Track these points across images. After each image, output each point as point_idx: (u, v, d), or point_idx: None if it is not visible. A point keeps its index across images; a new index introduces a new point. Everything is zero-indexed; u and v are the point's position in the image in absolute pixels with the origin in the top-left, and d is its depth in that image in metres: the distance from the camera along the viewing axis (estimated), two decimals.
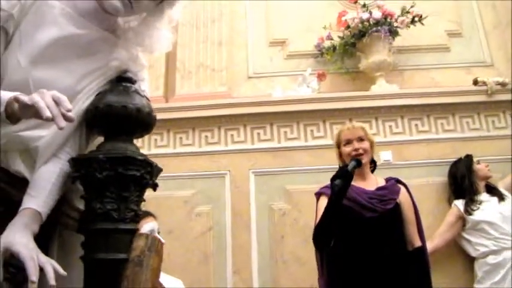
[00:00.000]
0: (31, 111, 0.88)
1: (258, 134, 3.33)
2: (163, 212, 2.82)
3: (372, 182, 2.29)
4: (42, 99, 0.86)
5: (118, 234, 1.03)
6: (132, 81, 1.15)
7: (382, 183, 2.30)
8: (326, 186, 2.22)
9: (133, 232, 1.06)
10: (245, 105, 3.37)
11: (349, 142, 2.29)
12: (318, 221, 2.12)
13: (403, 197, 2.26)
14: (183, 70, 3.48)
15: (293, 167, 3.24)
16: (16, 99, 0.89)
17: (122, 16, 1.19)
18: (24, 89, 1.03)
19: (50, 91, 0.89)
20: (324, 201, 2.18)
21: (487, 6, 3.91)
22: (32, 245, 0.94)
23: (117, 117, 1.06)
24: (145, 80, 1.27)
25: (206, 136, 3.30)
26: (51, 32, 1.11)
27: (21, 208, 1.00)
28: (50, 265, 0.92)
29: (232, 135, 3.32)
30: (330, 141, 3.17)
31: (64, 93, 0.94)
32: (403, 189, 2.30)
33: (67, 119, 0.87)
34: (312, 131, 3.33)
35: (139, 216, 1.08)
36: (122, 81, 1.14)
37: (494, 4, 3.88)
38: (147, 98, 1.15)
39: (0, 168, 1.10)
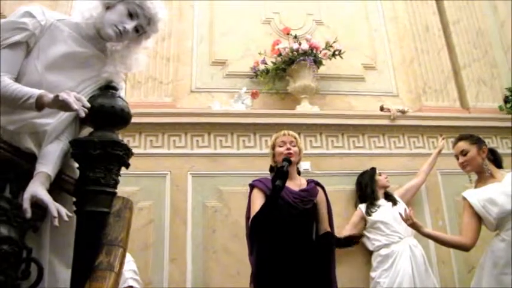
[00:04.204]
0: (60, 105, 1.31)
1: (197, 141, 3.66)
2: None
3: (297, 182, 2.73)
4: (69, 97, 1.29)
5: (103, 194, 1.45)
6: (116, 89, 1.59)
7: (304, 185, 2.74)
8: (258, 180, 2.69)
9: (114, 194, 1.49)
10: (187, 116, 3.68)
11: (283, 144, 2.72)
12: (256, 210, 2.48)
13: (319, 198, 2.74)
14: (133, 80, 3.74)
15: (226, 171, 3.60)
16: (56, 96, 1.31)
17: (113, 42, 1.63)
18: (38, 87, 1.46)
19: (72, 92, 1.32)
20: (257, 193, 2.62)
21: (396, 46, 4.57)
22: (49, 195, 1.36)
23: (106, 113, 1.49)
24: (123, 89, 1.71)
25: (151, 140, 3.59)
26: (61, 48, 1.54)
27: (36, 172, 1.40)
28: (62, 208, 1.34)
29: (174, 140, 3.63)
30: (259, 150, 3.65)
31: None
32: (321, 191, 2.78)
33: (85, 112, 1.31)
34: (244, 141, 3.72)
35: (118, 183, 1.52)
36: (109, 88, 1.57)
37: (401, 45, 4.55)
38: (126, 102, 1.59)
39: (12, 146, 1.49)
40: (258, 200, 2.56)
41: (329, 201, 2.82)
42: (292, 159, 2.63)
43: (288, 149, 2.69)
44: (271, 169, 2.83)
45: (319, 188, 2.79)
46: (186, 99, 3.99)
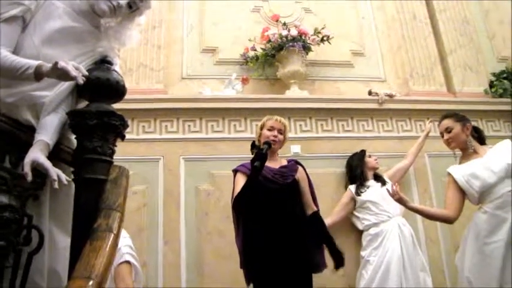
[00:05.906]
0: (58, 73, 1.36)
1: (189, 126, 3.71)
2: None
3: (277, 162, 2.85)
4: (68, 65, 1.34)
5: (101, 162, 1.50)
6: (111, 63, 1.64)
7: (284, 163, 2.87)
8: (241, 165, 2.78)
9: (111, 163, 1.55)
10: (179, 101, 3.72)
11: (272, 129, 2.84)
12: (238, 191, 2.59)
13: (300, 174, 2.84)
14: (125, 67, 3.74)
15: (217, 155, 3.66)
16: (55, 64, 1.36)
17: (106, 17, 1.69)
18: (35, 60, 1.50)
19: (70, 61, 1.38)
20: (239, 176, 2.72)
21: (384, 34, 4.65)
22: (48, 161, 1.41)
23: (102, 86, 1.54)
24: (117, 64, 1.76)
25: (144, 126, 3.63)
26: (56, 23, 1.59)
27: (35, 140, 1.46)
28: (61, 173, 1.40)
29: (166, 126, 3.67)
30: (249, 134, 3.67)
31: None
32: (300, 168, 2.88)
33: (83, 80, 1.37)
34: (234, 125, 3.78)
35: (114, 153, 1.57)
36: (104, 63, 1.63)
37: (389, 33, 4.64)
38: (121, 76, 1.65)
39: (11, 118, 1.54)
40: (240, 182, 2.66)
41: (310, 178, 2.91)
42: (274, 146, 2.76)
43: (275, 136, 2.81)
44: (253, 145, 2.91)
45: (299, 166, 2.90)
46: (177, 86, 4.04)
